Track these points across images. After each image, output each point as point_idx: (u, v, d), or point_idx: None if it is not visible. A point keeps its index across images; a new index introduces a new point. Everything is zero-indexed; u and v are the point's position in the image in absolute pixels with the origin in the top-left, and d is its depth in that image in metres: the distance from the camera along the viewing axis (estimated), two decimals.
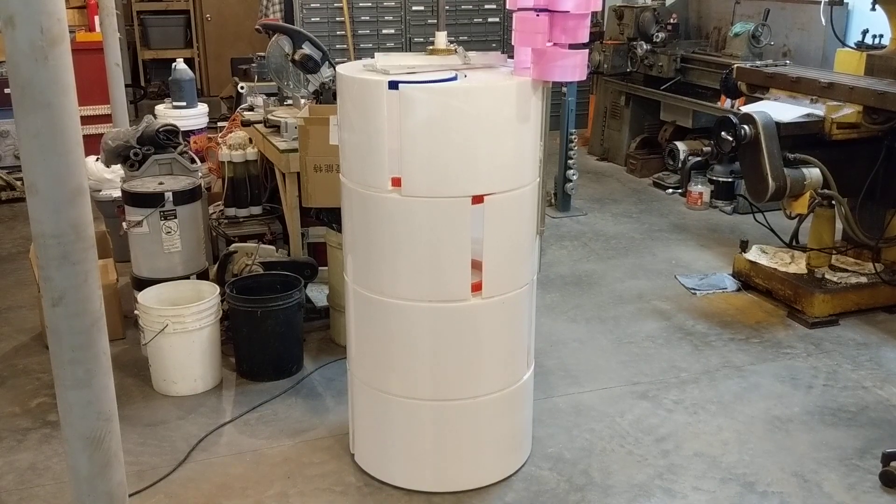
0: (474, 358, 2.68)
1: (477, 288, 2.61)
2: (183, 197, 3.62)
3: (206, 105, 5.78)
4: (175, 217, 3.61)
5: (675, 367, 3.67)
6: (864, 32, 4.53)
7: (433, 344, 2.65)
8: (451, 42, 2.72)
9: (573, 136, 5.70)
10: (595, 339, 3.93)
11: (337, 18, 7.48)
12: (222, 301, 3.57)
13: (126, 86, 5.44)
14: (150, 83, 10.00)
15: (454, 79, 2.53)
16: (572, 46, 2.50)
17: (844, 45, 4.66)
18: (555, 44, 2.49)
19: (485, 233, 2.55)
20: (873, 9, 4.15)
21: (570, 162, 5.60)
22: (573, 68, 2.49)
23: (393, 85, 2.43)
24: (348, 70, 2.61)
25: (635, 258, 4.96)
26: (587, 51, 2.52)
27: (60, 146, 1.30)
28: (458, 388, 2.70)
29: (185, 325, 3.35)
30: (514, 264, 2.66)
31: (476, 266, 2.61)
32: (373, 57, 2.73)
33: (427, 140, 2.45)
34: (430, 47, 2.73)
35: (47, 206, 1.30)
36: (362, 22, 7.58)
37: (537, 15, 2.46)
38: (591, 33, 2.63)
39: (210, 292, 3.51)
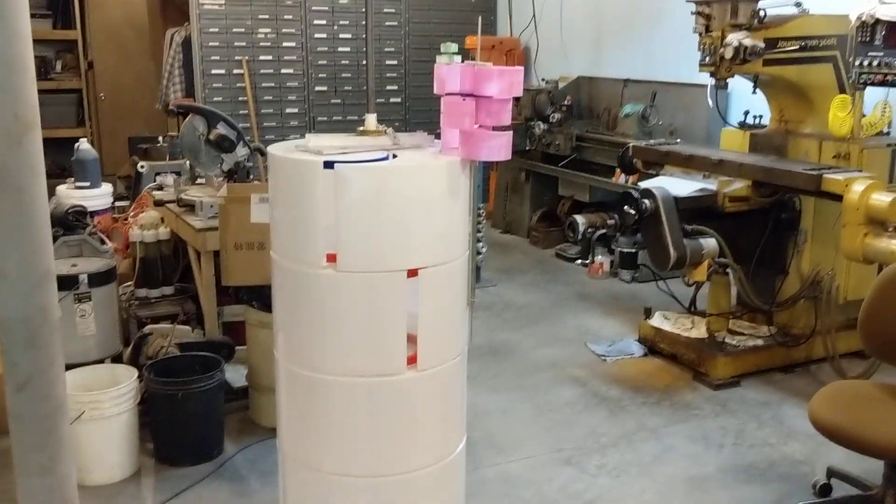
0: (411, 431, 2.70)
1: (412, 360, 2.65)
2: (98, 279, 3.54)
3: (110, 185, 5.68)
4: (90, 300, 3.52)
5: (595, 433, 3.78)
6: (746, 113, 4.92)
7: (370, 419, 2.65)
8: (381, 124, 2.82)
9: (481, 210, 5.88)
10: (516, 408, 4.01)
11: (240, 98, 7.53)
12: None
13: None
14: None
15: (386, 158, 2.62)
16: (496, 128, 2.64)
17: (727, 124, 5.04)
18: (480, 126, 2.63)
19: (420, 305, 2.60)
20: (754, 92, 4.54)
21: (479, 235, 5.76)
22: (499, 148, 2.62)
23: (328, 164, 2.49)
24: (281, 150, 2.66)
25: (546, 327, 5.11)
26: (511, 132, 2.67)
27: (31, 230, 1.29)
28: (394, 462, 2.70)
29: (102, 411, 3.24)
30: (447, 335, 2.73)
31: (410, 339, 2.66)
32: (286, 137, 2.79)
33: (362, 217, 2.51)
34: (361, 128, 2.81)
35: (16, 291, 1.29)
36: (266, 101, 7.65)
37: (464, 99, 2.60)
38: None
39: (127, 376, 3.41)
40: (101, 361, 3.58)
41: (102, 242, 4.01)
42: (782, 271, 4.49)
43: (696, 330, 4.66)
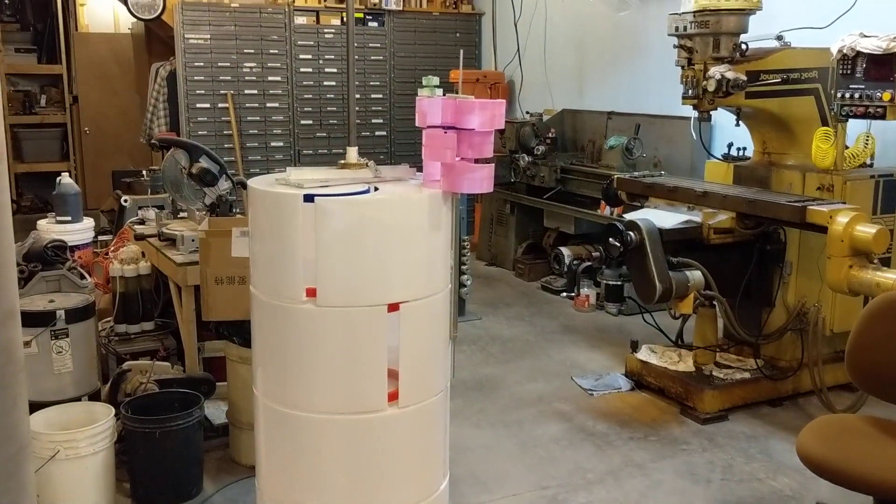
0: (392, 470, 2.64)
1: (393, 397, 2.60)
2: (76, 315, 3.48)
3: (91, 219, 5.63)
4: (67, 336, 3.45)
5: (581, 469, 3.72)
6: (730, 145, 4.93)
7: (350, 457, 2.60)
8: (365, 157, 2.80)
9: (466, 243, 5.85)
10: (501, 444, 3.95)
11: (225, 132, 7.51)
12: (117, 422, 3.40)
13: None
14: (22, 197, 9.65)
15: (367, 192, 2.59)
16: (478, 161, 2.62)
17: (711, 156, 5.05)
18: (462, 158, 2.61)
19: (401, 340, 2.56)
20: (737, 125, 4.55)
21: (463, 268, 5.73)
22: (481, 181, 2.61)
23: (308, 198, 2.47)
24: (261, 183, 2.64)
25: (532, 360, 5.06)
26: (493, 164, 2.65)
27: None
28: (376, 502, 2.64)
29: (77, 451, 3.15)
30: (429, 371, 2.69)
31: (391, 375, 2.61)
32: (271, 170, 2.77)
33: (343, 251, 2.48)
34: (342, 161, 2.80)
35: None
36: (250, 135, 7.64)
37: (445, 132, 2.58)
38: None
39: (104, 414, 3.34)
40: (77, 399, 3.50)
41: (82, 277, 3.96)
42: (768, 303, 4.47)
43: (683, 363, 4.62)
